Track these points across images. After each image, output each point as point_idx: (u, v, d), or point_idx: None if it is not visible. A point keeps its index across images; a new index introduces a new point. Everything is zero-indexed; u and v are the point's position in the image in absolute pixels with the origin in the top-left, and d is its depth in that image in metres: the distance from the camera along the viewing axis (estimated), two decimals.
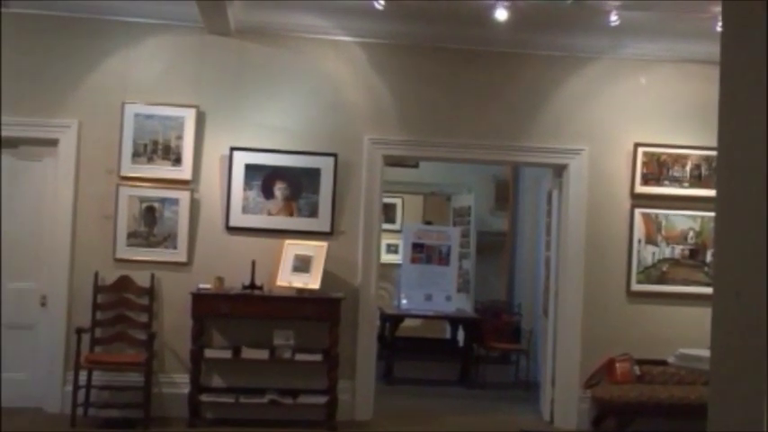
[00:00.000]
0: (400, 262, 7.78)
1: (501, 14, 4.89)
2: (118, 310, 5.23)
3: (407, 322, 7.61)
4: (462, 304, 7.67)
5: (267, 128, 5.32)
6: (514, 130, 5.54)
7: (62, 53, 5.26)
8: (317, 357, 5.11)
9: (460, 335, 7.28)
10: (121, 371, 5.13)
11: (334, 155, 5.31)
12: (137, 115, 5.23)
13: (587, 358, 5.41)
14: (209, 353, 5.14)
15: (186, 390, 5.04)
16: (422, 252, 7.20)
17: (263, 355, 5.11)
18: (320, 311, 5.08)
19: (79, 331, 5.00)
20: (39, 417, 5.11)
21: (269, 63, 5.36)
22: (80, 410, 4.97)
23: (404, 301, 7.39)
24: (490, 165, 7.22)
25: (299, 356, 5.11)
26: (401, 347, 7.01)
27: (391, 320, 7.11)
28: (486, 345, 6.87)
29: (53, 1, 5.17)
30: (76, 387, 4.93)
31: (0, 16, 5.10)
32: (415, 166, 7.75)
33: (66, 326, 5.20)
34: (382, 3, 4.83)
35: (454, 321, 7.54)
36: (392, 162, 5.77)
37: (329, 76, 5.41)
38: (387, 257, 8.10)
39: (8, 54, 5.20)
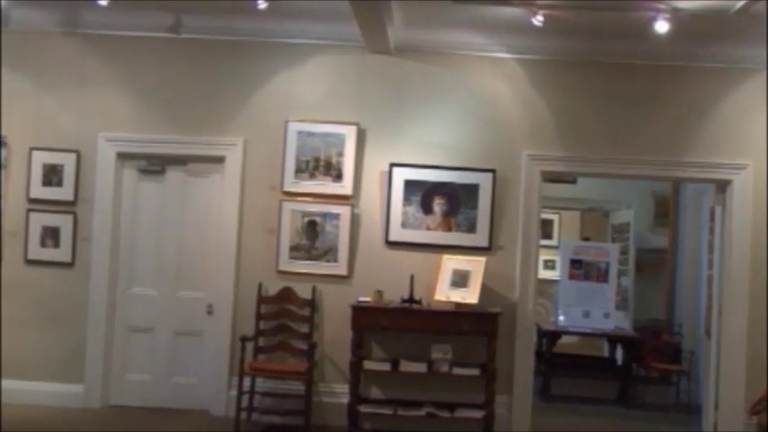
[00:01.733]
0: (557, 278, 9.03)
1: (661, 27, 5.77)
2: (280, 321, 6.55)
3: (565, 339, 8.68)
4: (620, 322, 8.74)
5: (426, 144, 6.52)
6: (675, 145, 6.51)
7: (230, 75, 6.63)
8: (475, 372, 6.23)
9: (618, 353, 8.39)
10: (283, 379, 6.43)
11: (493, 171, 6.46)
12: (299, 133, 6.54)
13: (753, 382, 6.28)
14: (368, 364, 6.36)
15: (345, 400, 6.27)
16: (580, 268, 8.35)
17: (420, 368, 6.28)
18: (478, 326, 6.20)
19: (243, 339, 6.31)
20: (205, 419, 6.49)
21: (427, 80, 6.56)
22: (244, 415, 6.28)
23: (561, 318, 8.58)
24: (651, 181, 8.19)
25: (457, 370, 6.25)
26: (558, 364, 8.15)
27: (548, 336, 8.29)
28: (645, 364, 7.91)
29: (224, 26, 6.57)
30: (241, 392, 6.26)
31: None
32: (573, 181, 8.93)
33: (231, 334, 6.56)
34: (540, 19, 5.90)
35: (612, 339, 8.61)
36: (550, 178, 6.85)
37: (487, 93, 6.57)
38: (544, 273, 9.23)
39: (180, 77, 6.64)
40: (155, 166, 6.76)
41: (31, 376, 6.68)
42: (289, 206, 6.53)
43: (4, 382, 6.58)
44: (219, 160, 6.65)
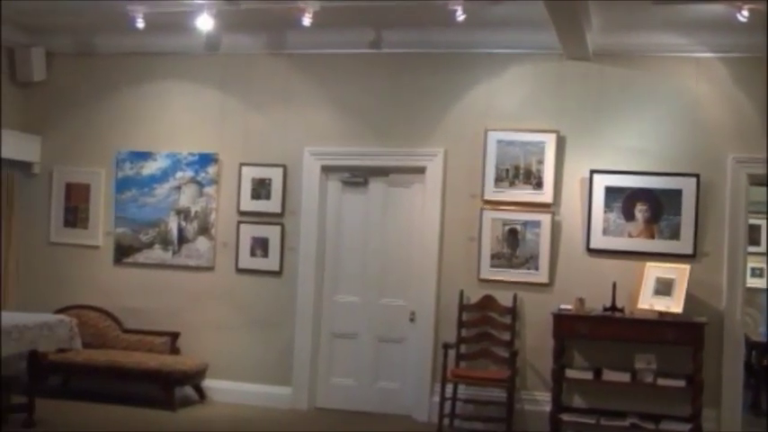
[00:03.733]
0: (766, 287, 9.94)
1: None
2: (481, 328, 8.19)
3: None
4: None
5: (627, 150, 7.94)
6: None
7: (429, 87, 8.35)
8: (680, 383, 7.49)
9: None
10: (485, 386, 8.03)
11: (696, 175, 7.76)
12: (499, 142, 8.18)
13: None
14: (569, 373, 7.82)
15: (547, 408, 7.77)
16: None
17: (624, 377, 7.64)
18: (682, 336, 7.46)
19: (446, 346, 7.97)
20: (408, 424, 8.20)
21: (627, 84, 7.98)
22: (446, 421, 7.93)
23: None
24: None
25: (662, 381, 7.53)
26: None
27: (758, 348, 9.35)
28: None
29: (422, 40, 8.35)
30: (443, 399, 7.93)
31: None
32: None
33: (433, 341, 8.27)
34: (745, 14, 7.08)
35: None
36: (757, 182, 8.06)
37: (689, 94, 7.89)
38: (751, 281, 10.25)
39: (381, 90, 8.49)
40: (358, 177, 8.64)
41: (242, 378, 8.72)
42: (489, 215, 8.17)
43: (218, 382, 8.69)
44: (421, 171, 8.40)
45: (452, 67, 8.35)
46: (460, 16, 7.46)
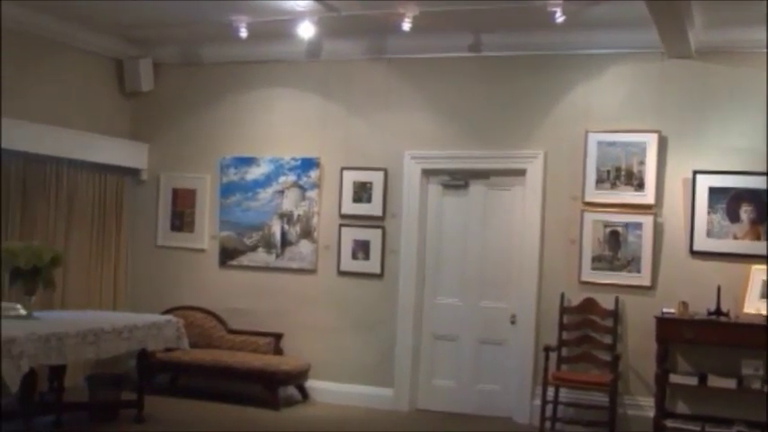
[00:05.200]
0: None
1: None
2: (583, 331, 8.30)
3: None
4: None
5: (731, 149, 7.93)
6: None
7: (529, 89, 8.53)
8: None
9: None
10: (586, 389, 8.14)
11: None
12: (599, 143, 8.28)
13: None
14: (673, 378, 7.84)
15: (651, 413, 7.82)
16: None
17: (729, 384, 7.64)
18: None
19: (547, 349, 8.10)
20: (509, 426, 8.38)
21: (731, 82, 7.96)
22: (547, 424, 8.09)
23: None
24: None
25: None
26: None
27: None
28: None
29: (521, 42, 8.52)
30: (544, 402, 8.07)
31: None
32: None
33: (534, 343, 8.43)
34: None
35: None
36: None
37: None
38: None
39: (481, 93, 8.70)
40: (458, 180, 8.86)
41: (344, 379, 9.05)
42: (590, 216, 8.28)
43: (320, 383, 9.06)
44: (521, 173, 8.58)
45: (551, 68, 8.50)
46: (560, 17, 7.63)
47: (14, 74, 8.43)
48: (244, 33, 8.56)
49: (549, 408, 8.15)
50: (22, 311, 7.25)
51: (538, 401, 8.16)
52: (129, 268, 10.04)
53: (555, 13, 7.59)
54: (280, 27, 8.50)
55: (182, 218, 9.94)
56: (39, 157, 8.76)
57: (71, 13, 8.73)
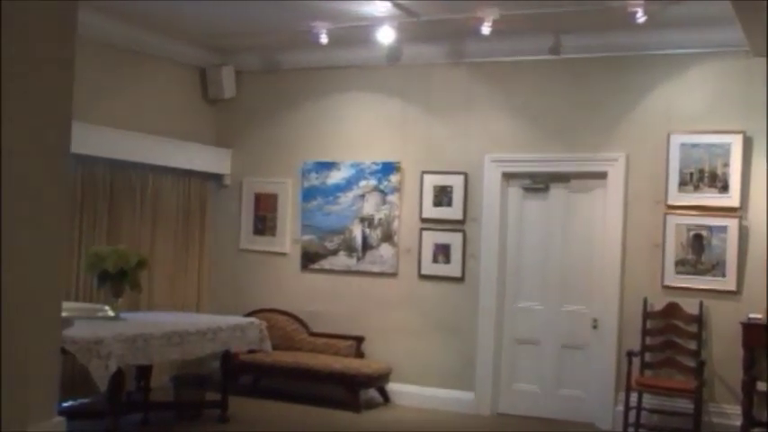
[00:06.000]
0: None
1: None
2: (666, 336, 8.25)
3: None
4: None
5: None
6: None
7: (609, 91, 8.52)
8: None
9: None
10: (671, 396, 8.08)
11: None
12: (682, 145, 8.22)
13: None
14: (761, 385, 7.75)
15: (737, 422, 7.70)
16: None
17: None
18: None
19: (629, 354, 8.07)
20: None
21: None
22: (631, 431, 8.07)
23: None
24: None
25: None
26: None
27: None
28: None
29: (601, 43, 8.52)
30: (627, 408, 8.03)
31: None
32: None
33: (616, 348, 8.40)
34: None
35: None
36: None
37: None
38: None
39: (561, 96, 8.72)
40: (538, 183, 8.89)
41: (425, 382, 9.16)
42: (673, 220, 8.23)
43: (401, 386, 9.17)
44: (602, 176, 8.57)
45: (632, 69, 8.49)
46: (641, 18, 7.62)
47: (102, 83, 8.75)
48: (324, 39, 8.75)
49: (633, 414, 8.11)
50: (110, 313, 7.52)
51: (621, 407, 8.12)
52: (212, 271, 10.30)
53: (636, 13, 7.58)
54: (359, 32, 8.66)
55: (264, 222, 10.16)
56: (125, 163, 9.08)
57: (157, 24, 9.04)
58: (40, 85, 2.44)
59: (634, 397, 8.11)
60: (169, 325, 7.51)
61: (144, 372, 8.06)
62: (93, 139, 8.26)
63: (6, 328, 2.30)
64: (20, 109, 2.34)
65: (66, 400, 7.70)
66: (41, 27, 2.42)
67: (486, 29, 8.11)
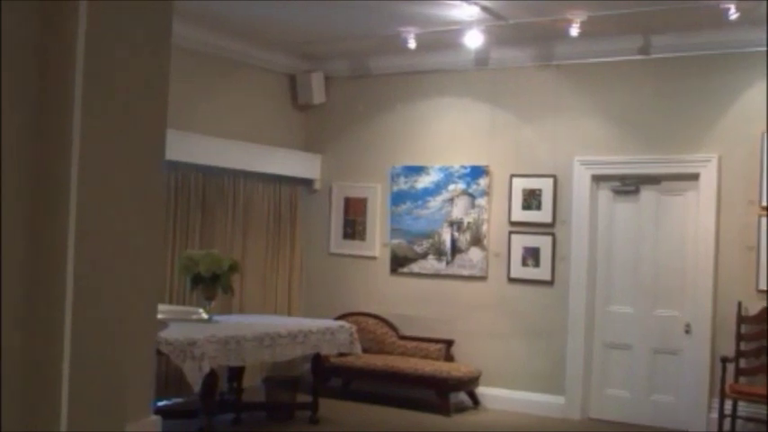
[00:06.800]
0: None
1: None
2: (762, 342, 8.06)
3: None
4: None
5: None
6: None
7: (701, 91, 8.39)
8: None
9: None
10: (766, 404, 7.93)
11: None
12: None
13: None
14: None
15: None
16: None
17: None
18: None
19: (724, 360, 7.93)
20: None
21: None
22: None
23: None
24: None
25: None
26: None
27: None
28: None
29: (692, 42, 8.39)
30: (722, 416, 7.88)
31: None
32: None
33: (710, 354, 8.25)
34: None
35: None
36: None
37: None
38: None
39: (651, 96, 8.61)
40: (628, 186, 8.80)
41: (515, 386, 9.15)
42: None
43: (491, 389, 9.19)
44: (693, 177, 8.44)
45: (724, 68, 8.36)
46: (733, 15, 7.51)
47: (195, 91, 8.98)
48: (412, 44, 8.81)
49: (727, 422, 7.96)
50: (204, 315, 7.71)
51: (714, 414, 8.00)
52: (303, 275, 10.46)
53: (728, 10, 7.46)
54: (447, 37, 8.70)
55: (354, 226, 10.27)
56: (217, 169, 9.30)
57: (248, 32, 9.26)
58: (137, 94, 2.52)
59: (729, 404, 7.97)
60: (260, 327, 7.66)
61: (236, 373, 8.24)
62: (187, 146, 8.49)
63: (106, 329, 2.39)
64: (118, 117, 2.44)
65: (160, 400, 7.90)
66: (137, 37, 2.51)
67: (574, 30, 8.08)
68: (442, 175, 9.68)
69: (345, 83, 10.38)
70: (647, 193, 8.76)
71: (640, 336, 8.72)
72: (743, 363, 8.11)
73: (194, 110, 8.95)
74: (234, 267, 7.99)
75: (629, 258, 8.81)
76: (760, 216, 8.11)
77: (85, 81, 2.31)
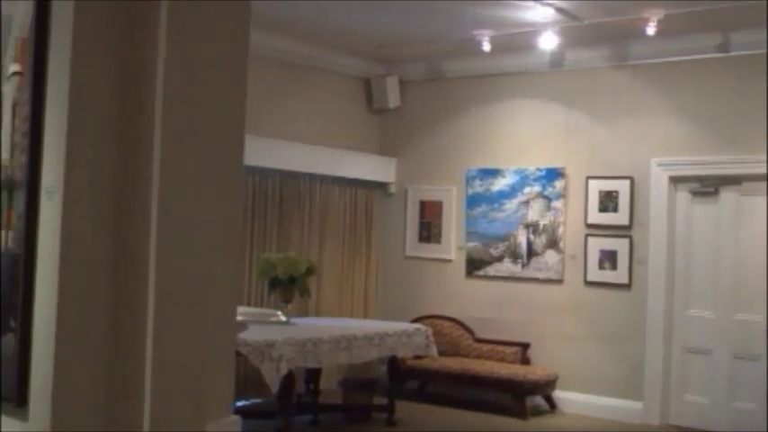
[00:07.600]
0: None
1: None
2: None
3: None
4: None
5: None
6: None
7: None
8: None
9: None
10: None
11: None
12: None
13: None
14: None
15: None
16: None
17: None
18: None
19: None
20: None
21: None
22: None
23: None
24: None
25: None
26: None
27: None
28: None
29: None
30: None
31: None
32: None
33: None
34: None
35: None
36: None
37: None
38: None
39: (730, 95, 8.44)
40: (707, 187, 8.65)
41: (592, 390, 9.07)
42: None
43: (568, 393, 9.14)
44: None
45: None
46: None
47: (272, 97, 9.10)
48: (486, 47, 8.80)
49: None
50: (282, 318, 7.80)
51: None
52: (379, 278, 10.51)
53: None
54: (522, 39, 8.67)
55: (429, 229, 10.28)
56: (294, 173, 9.41)
57: (323, 38, 9.38)
58: (216, 100, 2.57)
59: None
60: (337, 330, 7.72)
61: (313, 375, 8.33)
62: (264, 151, 8.60)
63: (187, 331, 2.44)
64: (198, 123, 2.48)
65: (239, 400, 8.01)
66: (216, 43, 2.55)
67: (651, 30, 7.97)
68: (517, 177, 9.63)
69: (420, 86, 10.40)
70: (726, 195, 8.60)
71: (720, 340, 8.55)
72: None
73: (271, 115, 9.07)
74: (310, 270, 8.07)
75: (709, 261, 8.66)
76: None
77: (166, 84, 2.37)
